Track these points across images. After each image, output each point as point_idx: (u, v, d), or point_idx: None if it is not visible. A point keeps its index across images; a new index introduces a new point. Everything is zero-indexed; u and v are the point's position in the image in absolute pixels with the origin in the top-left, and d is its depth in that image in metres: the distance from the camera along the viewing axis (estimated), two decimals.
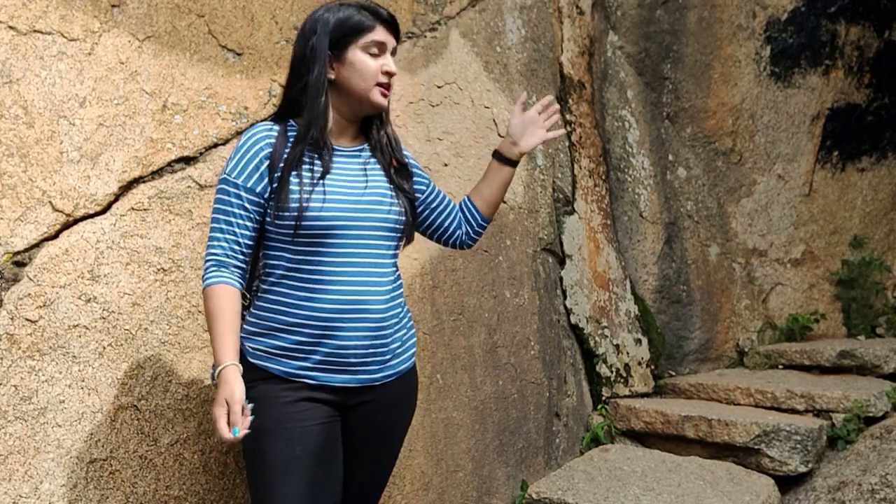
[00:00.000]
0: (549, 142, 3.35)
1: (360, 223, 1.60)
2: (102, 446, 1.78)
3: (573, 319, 3.35)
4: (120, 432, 1.81)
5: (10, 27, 1.75)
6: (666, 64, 4.08)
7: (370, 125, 1.74)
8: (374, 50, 1.62)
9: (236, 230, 1.59)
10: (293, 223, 1.55)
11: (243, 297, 1.68)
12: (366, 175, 1.66)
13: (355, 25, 1.61)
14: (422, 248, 2.54)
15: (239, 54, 2.17)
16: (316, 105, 1.61)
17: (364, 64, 1.61)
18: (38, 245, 1.74)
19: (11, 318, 1.68)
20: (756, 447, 2.97)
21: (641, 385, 3.57)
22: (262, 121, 1.72)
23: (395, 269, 1.71)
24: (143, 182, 1.93)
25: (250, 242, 1.62)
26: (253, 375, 1.62)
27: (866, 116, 4.33)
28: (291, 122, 1.65)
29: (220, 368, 1.50)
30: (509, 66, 3.17)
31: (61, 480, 1.71)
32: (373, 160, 1.71)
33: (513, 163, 1.88)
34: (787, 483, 2.97)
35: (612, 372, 3.45)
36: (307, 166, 1.60)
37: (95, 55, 1.88)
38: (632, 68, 4.04)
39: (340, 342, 1.58)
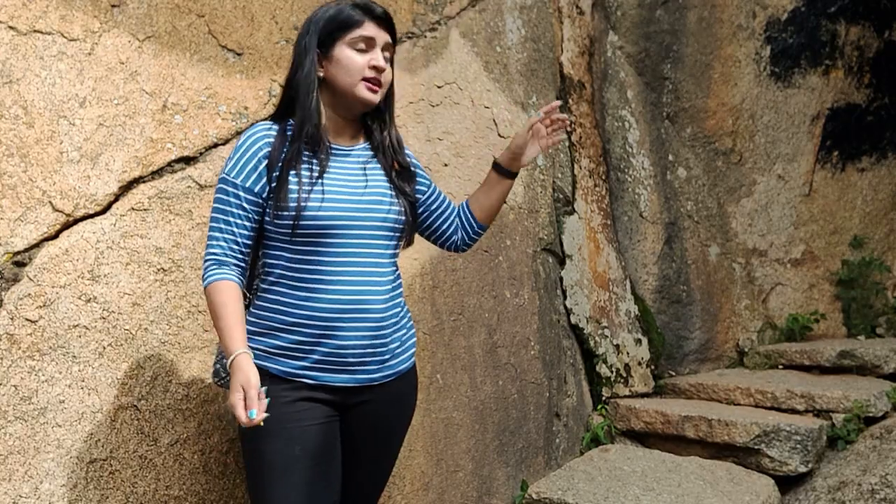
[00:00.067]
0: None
1: (358, 223, 1.60)
2: (102, 446, 1.78)
3: (573, 319, 3.35)
4: (120, 432, 1.81)
5: (10, 27, 1.75)
6: (666, 64, 4.08)
7: (372, 125, 1.73)
8: (362, 45, 1.60)
9: (234, 230, 1.59)
10: (291, 222, 1.55)
11: (243, 295, 1.68)
12: (365, 175, 1.66)
13: (342, 21, 1.61)
14: (422, 248, 2.54)
15: (239, 54, 2.17)
16: (306, 103, 1.61)
17: (349, 59, 1.60)
18: (38, 245, 1.74)
19: (11, 318, 1.68)
20: (756, 447, 2.97)
21: (641, 385, 3.57)
22: (261, 120, 1.72)
23: (394, 269, 1.71)
24: (143, 182, 1.93)
25: (249, 242, 1.62)
26: None
27: (866, 116, 4.33)
28: (291, 121, 1.65)
29: (232, 357, 1.49)
30: (509, 66, 3.17)
31: (61, 480, 1.71)
32: (373, 160, 1.71)
33: (512, 175, 1.86)
34: (787, 483, 2.97)
35: (612, 372, 3.45)
36: (305, 165, 1.60)
37: (95, 55, 1.88)
38: (632, 68, 4.04)
39: (339, 342, 1.58)
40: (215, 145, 2.08)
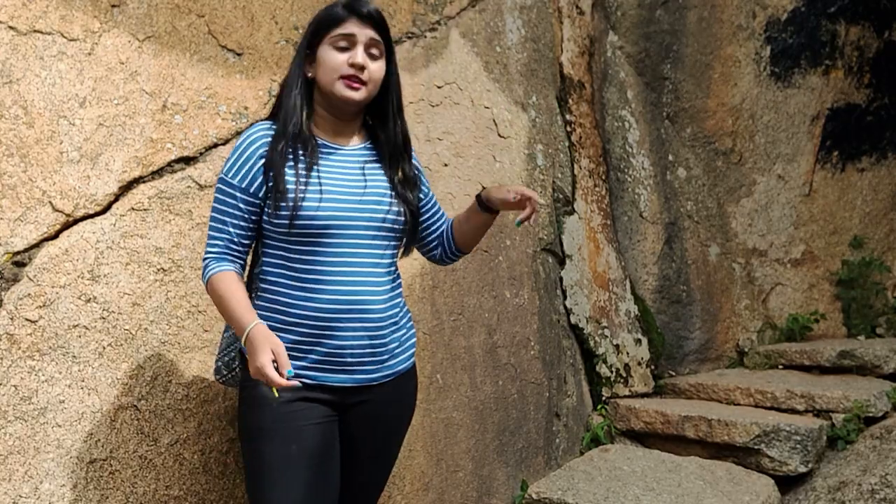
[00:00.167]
0: (549, 142, 3.35)
1: (357, 223, 1.60)
2: (102, 446, 1.78)
3: (573, 319, 3.35)
4: (120, 432, 1.81)
5: (10, 27, 1.75)
6: (666, 64, 4.08)
7: (374, 123, 1.73)
8: (343, 43, 1.59)
9: (231, 230, 1.61)
10: (288, 221, 1.56)
11: None
12: (364, 175, 1.65)
13: (325, 20, 1.62)
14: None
15: (239, 54, 2.17)
16: (287, 102, 1.63)
17: (329, 57, 1.60)
18: (38, 245, 1.75)
19: (11, 318, 1.68)
20: (756, 447, 2.97)
21: (641, 385, 3.57)
22: (260, 121, 1.72)
23: (393, 269, 1.71)
24: (143, 182, 1.93)
25: (246, 241, 1.64)
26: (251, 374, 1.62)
27: (866, 116, 4.33)
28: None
29: (248, 328, 1.50)
30: (509, 66, 3.17)
31: (61, 480, 1.71)
32: (374, 160, 1.70)
33: (490, 211, 1.78)
34: (787, 483, 2.97)
35: (612, 372, 3.45)
36: (302, 165, 1.60)
37: (95, 55, 1.88)
38: (632, 68, 4.04)
39: (338, 342, 1.58)
40: (215, 145, 2.08)
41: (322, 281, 1.57)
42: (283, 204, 1.56)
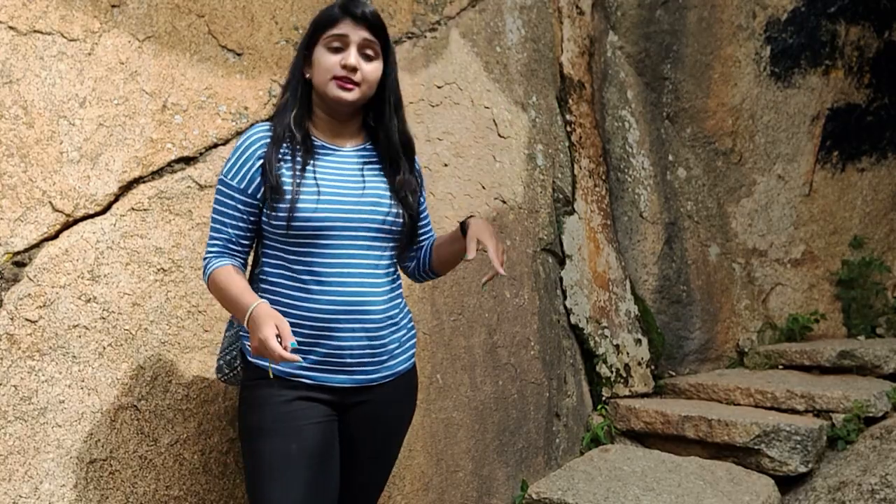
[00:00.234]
0: (549, 142, 3.35)
1: (354, 224, 1.60)
2: (102, 446, 1.78)
3: (573, 319, 3.35)
4: (120, 432, 1.81)
5: (10, 27, 1.75)
6: (666, 64, 4.08)
7: (373, 124, 1.73)
8: (336, 44, 1.59)
9: (230, 231, 1.62)
10: (285, 222, 1.56)
11: None
12: (363, 177, 1.65)
13: (320, 21, 1.62)
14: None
15: (239, 54, 2.17)
16: (285, 102, 1.65)
17: (323, 59, 1.60)
18: (38, 245, 1.75)
19: (11, 318, 1.68)
20: (756, 447, 2.97)
21: (641, 385, 3.57)
22: (260, 121, 1.72)
23: (393, 271, 1.71)
24: (143, 182, 1.93)
25: (245, 242, 1.65)
26: (252, 374, 1.63)
27: (866, 116, 4.33)
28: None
29: (251, 308, 1.49)
30: (509, 66, 3.17)
31: (61, 480, 1.71)
32: (374, 162, 1.70)
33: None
34: (787, 483, 2.97)
35: (612, 372, 3.45)
36: (300, 166, 1.60)
37: (95, 55, 1.88)
38: (632, 68, 4.04)
39: (337, 342, 1.59)
40: (215, 145, 2.08)
41: (320, 282, 1.58)
42: (280, 205, 1.56)
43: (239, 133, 2.11)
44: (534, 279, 3.09)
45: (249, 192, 1.60)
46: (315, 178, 1.59)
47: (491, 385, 2.80)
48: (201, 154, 2.05)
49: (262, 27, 2.23)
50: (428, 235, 1.86)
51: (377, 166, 1.69)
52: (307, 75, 1.64)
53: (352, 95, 1.60)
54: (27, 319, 1.70)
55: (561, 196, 3.40)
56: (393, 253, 1.70)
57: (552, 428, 3.09)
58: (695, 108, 4.14)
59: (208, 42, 2.10)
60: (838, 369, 3.62)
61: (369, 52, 1.62)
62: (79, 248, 1.80)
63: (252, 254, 1.73)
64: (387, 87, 1.68)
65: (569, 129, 3.55)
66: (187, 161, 2.02)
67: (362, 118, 1.72)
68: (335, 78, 1.59)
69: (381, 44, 1.64)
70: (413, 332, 1.77)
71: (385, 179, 1.68)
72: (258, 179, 1.59)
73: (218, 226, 1.62)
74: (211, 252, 1.63)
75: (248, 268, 1.78)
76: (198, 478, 1.93)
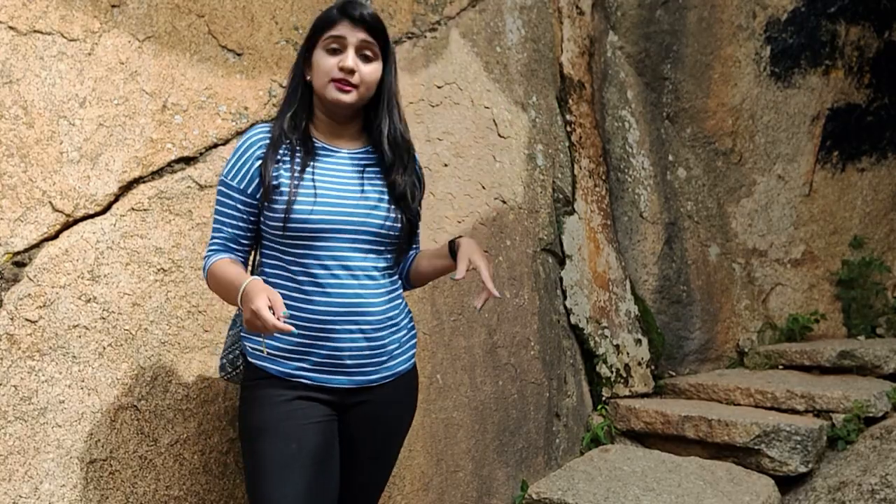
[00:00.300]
0: (549, 142, 3.35)
1: (351, 227, 1.60)
2: (102, 446, 1.78)
3: (573, 320, 3.35)
4: (120, 432, 1.81)
5: (10, 27, 1.75)
6: (666, 64, 4.08)
7: (375, 129, 1.72)
8: (334, 45, 1.60)
9: (230, 230, 1.62)
10: (282, 224, 1.56)
11: None
12: (362, 179, 1.65)
13: (319, 23, 1.63)
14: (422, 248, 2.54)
15: (239, 54, 2.17)
16: (286, 103, 1.66)
17: (321, 61, 1.61)
18: (38, 245, 1.75)
19: (11, 318, 1.68)
20: (756, 447, 2.97)
21: (641, 385, 3.57)
22: (261, 122, 1.72)
23: (391, 272, 1.70)
24: (143, 182, 1.93)
25: (245, 241, 1.65)
26: (252, 375, 1.64)
27: (866, 116, 4.32)
28: None
29: (244, 285, 1.48)
30: (509, 66, 3.17)
31: (61, 480, 1.71)
32: (374, 164, 1.70)
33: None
34: (787, 483, 2.97)
35: (612, 372, 3.45)
36: (298, 167, 1.60)
37: (95, 55, 1.88)
38: (632, 68, 4.04)
39: (335, 344, 1.59)
40: (215, 145, 2.08)
41: (317, 284, 1.58)
42: (277, 206, 1.57)
43: (239, 133, 2.11)
44: (534, 279, 3.09)
45: (249, 192, 1.60)
46: (313, 180, 1.59)
47: (491, 385, 2.80)
48: (201, 154, 2.05)
49: (262, 27, 2.23)
50: (414, 248, 1.83)
51: (376, 169, 1.69)
52: (307, 77, 1.65)
53: (349, 97, 1.60)
54: (27, 319, 1.70)
55: (561, 196, 3.40)
56: (391, 255, 1.69)
57: (552, 428, 3.09)
58: (695, 108, 4.14)
59: (208, 42, 2.10)
60: (838, 369, 3.62)
61: (368, 53, 1.62)
62: (79, 248, 1.80)
63: (253, 256, 1.74)
64: (383, 87, 1.67)
65: (569, 129, 3.55)
66: (187, 161, 2.02)
67: (364, 120, 1.72)
68: (333, 80, 1.59)
69: (381, 45, 1.64)
70: (413, 332, 1.77)
71: (384, 182, 1.67)
72: (257, 180, 1.60)
73: (218, 225, 1.63)
74: (211, 250, 1.65)
75: (249, 269, 1.78)
76: (198, 478, 1.93)
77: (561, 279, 3.34)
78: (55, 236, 1.77)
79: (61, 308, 1.75)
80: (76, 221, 1.81)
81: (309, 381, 1.59)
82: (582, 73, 3.70)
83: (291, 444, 1.54)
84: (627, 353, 3.55)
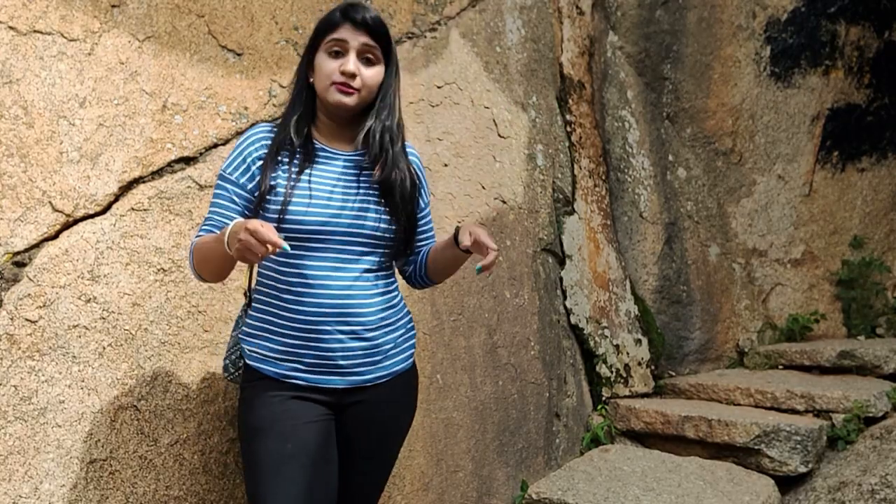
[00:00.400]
0: (549, 142, 3.35)
1: (345, 229, 1.60)
2: (102, 446, 1.78)
3: (573, 320, 3.35)
4: (120, 432, 1.81)
5: (10, 27, 1.75)
6: (666, 64, 4.08)
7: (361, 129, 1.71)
8: (336, 49, 1.60)
9: (220, 219, 1.61)
10: (276, 224, 1.56)
11: (244, 295, 1.74)
12: (358, 182, 1.65)
13: (321, 26, 1.63)
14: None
15: (239, 54, 2.17)
16: (290, 105, 1.66)
17: (323, 64, 1.61)
18: (38, 245, 1.75)
19: (11, 318, 1.68)
20: (756, 447, 2.97)
21: (641, 385, 3.57)
22: (262, 122, 1.72)
23: (387, 273, 1.70)
24: (143, 182, 1.93)
25: None
26: (249, 376, 1.65)
27: (866, 116, 4.33)
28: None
29: (229, 227, 1.44)
30: (509, 66, 3.17)
31: (61, 480, 1.71)
32: (370, 166, 1.69)
33: (461, 248, 1.64)
34: (787, 483, 2.97)
35: (612, 372, 3.45)
36: (296, 169, 1.61)
37: (95, 55, 1.88)
38: (632, 68, 4.04)
39: (328, 345, 1.59)
40: (215, 145, 2.08)
41: (309, 285, 1.58)
42: (272, 206, 1.57)
43: (239, 133, 2.12)
44: (534, 279, 3.09)
45: (248, 188, 1.61)
46: (309, 182, 1.60)
47: (491, 385, 2.80)
48: (201, 154, 2.05)
49: (262, 27, 2.23)
50: (427, 240, 1.83)
51: (371, 170, 1.69)
52: (310, 79, 1.65)
53: (351, 101, 1.60)
54: (27, 319, 1.70)
55: (561, 196, 3.40)
56: (386, 256, 1.68)
57: (552, 428, 3.09)
58: (695, 108, 4.14)
59: (208, 42, 2.10)
60: (838, 369, 3.62)
61: (370, 56, 1.62)
62: (79, 248, 1.80)
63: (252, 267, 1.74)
64: (381, 90, 1.66)
65: (569, 129, 3.55)
66: (187, 161, 2.02)
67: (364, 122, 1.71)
68: (335, 83, 1.59)
69: (383, 48, 1.64)
70: (412, 332, 1.77)
71: (381, 185, 1.67)
72: (257, 178, 1.60)
73: (211, 215, 1.62)
74: (197, 236, 1.62)
75: (248, 269, 1.79)
76: (198, 478, 1.93)
77: (561, 279, 3.34)
78: (55, 236, 1.77)
79: (61, 308, 1.75)
80: (76, 221, 1.81)
81: (303, 382, 1.60)
82: (582, 73, 3.70)
83: (287, 443, 1.55)
84: (627, 353, 3.55)
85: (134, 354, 1.85)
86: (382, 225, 1.64)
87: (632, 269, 3.83)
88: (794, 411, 3.24)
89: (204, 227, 1.62)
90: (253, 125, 1.70)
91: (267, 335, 1.62)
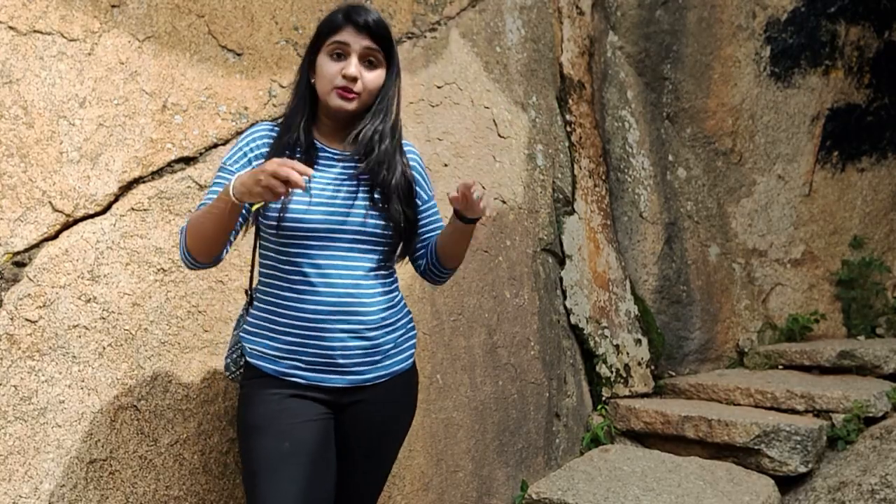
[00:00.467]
0: (549, 142, 3.35)
1: (345, 227, 1.60)
2: (102, 446, 1.78)
3: (573, 320, 3.35)
4: (120, 432, 1.81)
5: (10, 27, 1.75)
6: (666, 64, 4.08)
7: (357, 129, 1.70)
8: (338, 52, 1.60)
9: None
10: (275, 222, 1.56)
11: (245, 293, 1.75)
12: (357, 181, 1.65)
13: (323, 28, 1.63)
14: None
15: (239, 54, 2.17)
16: (291, 105, 1.66)
17: (325, 67, 1.61)
18: (38, 245, 1.75)
19: (11, 318, 1.68)
20: (756, 447, 2.97)
21: (641, 385, 3.57)
22: (262, 121, 1.73)
23: (387, 273, 1.70)
24: (143, 182, 1.93)
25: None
26: (249, 374, 1.65)
27: (866, 116, 4.33)
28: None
29: (233, 180, 1.43)
30: (509, 66, 3.17)
31: (61, 480, 1.71)
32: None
33: (464, 219, 1.63)
34: (787, 483, 2.97)
35: (611, 372, 3.45)
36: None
37: (95, 55, 1.88)
38: (632, 68, 4.04)
39: (328, 343, 1.59)
40: (215, 145, 2.08)
41: (309, 283, 1.58)
42: (273, 205, 1.57)
43: (239, 133, 2.12)
44: (534, 279, 3.09)
45: None
46: (310, 182, 1.60)
47: (491, 385, 2.80)
48: (201, 154, 2.05)
49: (262, 27, 2.23)
50: (435, 231, 1.80)
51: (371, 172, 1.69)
52: (312, 80, 1.65)
53: (351, 105, 1.61)
54: (27, 319, 1.70)
55: (561, 196, 3.40)
56: (386, 257, 1.68)
57: (552, 428, 3.09)
58: (695, 108, 4.14)
59: (208, 42, 2.10)
60: (838, 369, 3.62)
61: (372, 59, 1.62)
62: (79, 248, 1.80)
63: (251, 258, 1.74)
64: (380, 93, 1.65)
65: (569, 129, 3.55)
66: (187, 161, 2.02)
67: None
68: (336, 88, 1.59)
69: (385, 51, 1.64)
70: (412, 332, 1.77)
71: (379, 186, 1.67)
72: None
73: (206, 201, 1.59)
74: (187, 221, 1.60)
75: (249, 269, 1.79)
76: (198, 478, 1.93)
77: (561, 279, 3.34)
78: (55, 236, 1.77)
79: (61, 308, 1.75)
80: (76, 221, 1.81)
81: (303, 381, 1.60)
82: (582, 73, 3.70)
83: (284, 442, 1.55)
84: (627, 353, 3.55)
85: (134, 354, 1.85)
86: (381, 223, 1.64)
87: (632, 269, 3.83)
88: (794, 411, 3.24)
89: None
90: (253, 124, 1.70)
91: (268, 333, 1.62)
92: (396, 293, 1.73)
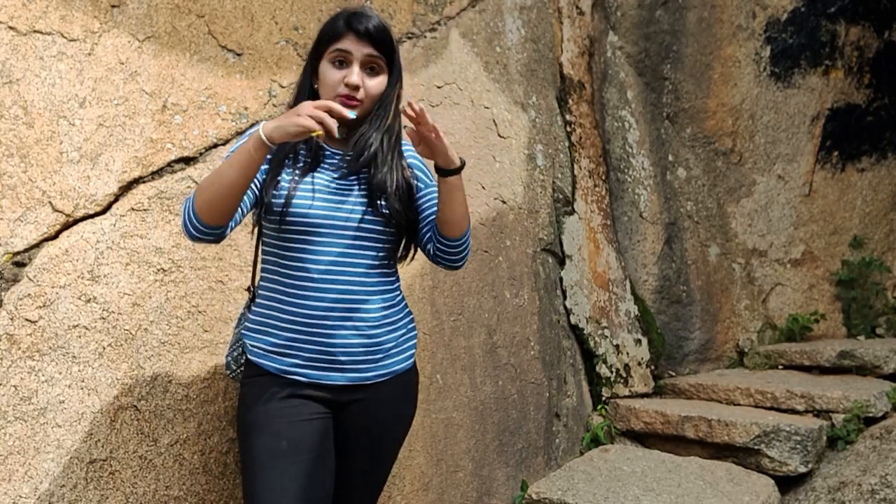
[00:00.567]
0: (549, 142, 3.35)
1: (347, 224, 1.61)
2: (102, 446, 1.78)
3: (573, 320, 3.35)
4: (120, 432, 1.81)
5: (10, 27, 1.75)
6: (666, 64, 4.08)
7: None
8: (340, 59, 1.60)
9: None
10: (279, 217, 1.57)
11: (247, 290, 1.77)
12: (358, 179, 1.66)
13: (325, 34, 1.63)
14: None
15: (239, 54, 2.17)
16: (290, 108, 1.65)
17: (327, 74, 1.61)
18: (38, 245, 1.75)
19: (11, 318, 1.68)
20: (756, 447, 2.97)
21: (641, 385, 3.57)
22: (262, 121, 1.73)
23: (389, 271, 1.70)
24: (143, 182, 1.93)
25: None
26: (250, 371, 1.66)
27: (866, 116, 4.33)
28: None
29: (259, 126, 1.45)
30: (509, 66, 3.17)
31: (61, 480, 1.71)
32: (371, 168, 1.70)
33: (444, 172, 1.59)
34: (787, 483, 2.97)
35: (611, 372, 3.45)
36: (301, 166, 1.62)
37: (95, 55, 1.88)
38: (632, 68, 4.04)
39: (329, 340, 1.60)
40: (215, 145, 2.08)
41: (311, 279, 1.59)
42: (276, 200, 1.58)
43: (239, 133, 2.12)
44: (534, 279, 3.09)
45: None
46: (313, 180, 1.61)
47: (491, 385, 2.80)
48: (201, 154, 2.05)
49: (262, 27, 2.23)
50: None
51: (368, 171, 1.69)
52: (315, 86, 1.66)
53: (354, 113, 1.60)
54: (27, 319, 1.70)
55: (561, 196, 3.40)
56: (388, 253, 1.69)
57: (552, 428, 3.09)
58: (695, 108, 4.14)
59: (208, 42, 2.10)
60: (838, 369, 3.62)
61: (373, 66, 1.62)
62: (79, 248, 1.80)
63: (254, 255, 1.74)
64: (381, 98, 1.65)
65: (569, 129, 3.55)
66: (187, 161, 2.02)
67: None
68: (339, 96, 1.59)
69: (387, 57, 1.63)
70: (413, 332, 1.77)
71: (378, 185, 1.66)
72: (265, 166, 1.60)
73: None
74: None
75: (250, 269, 1.79)
76: (198, 478, 1.93)
77: (561, 279, 3.34)
78: (55, 236, 1.77)
79: (61, 308, 1.75)
80: (76, 221, 1.81)
81: (303, 378, 1.61)
82: (582, 73, 3.70)
83: (281, 440, 1.55)
84: (627, 353, 3.55)
85: (134, 354, 1.85)
86: (381, 223, 1.64)
87: (632, 269, 3.83)
88: (794, 411, 3.24)
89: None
90: (253, 124, 1.70)
91: (269, 329, 1.63)
92: (398, 293, 1.73)
